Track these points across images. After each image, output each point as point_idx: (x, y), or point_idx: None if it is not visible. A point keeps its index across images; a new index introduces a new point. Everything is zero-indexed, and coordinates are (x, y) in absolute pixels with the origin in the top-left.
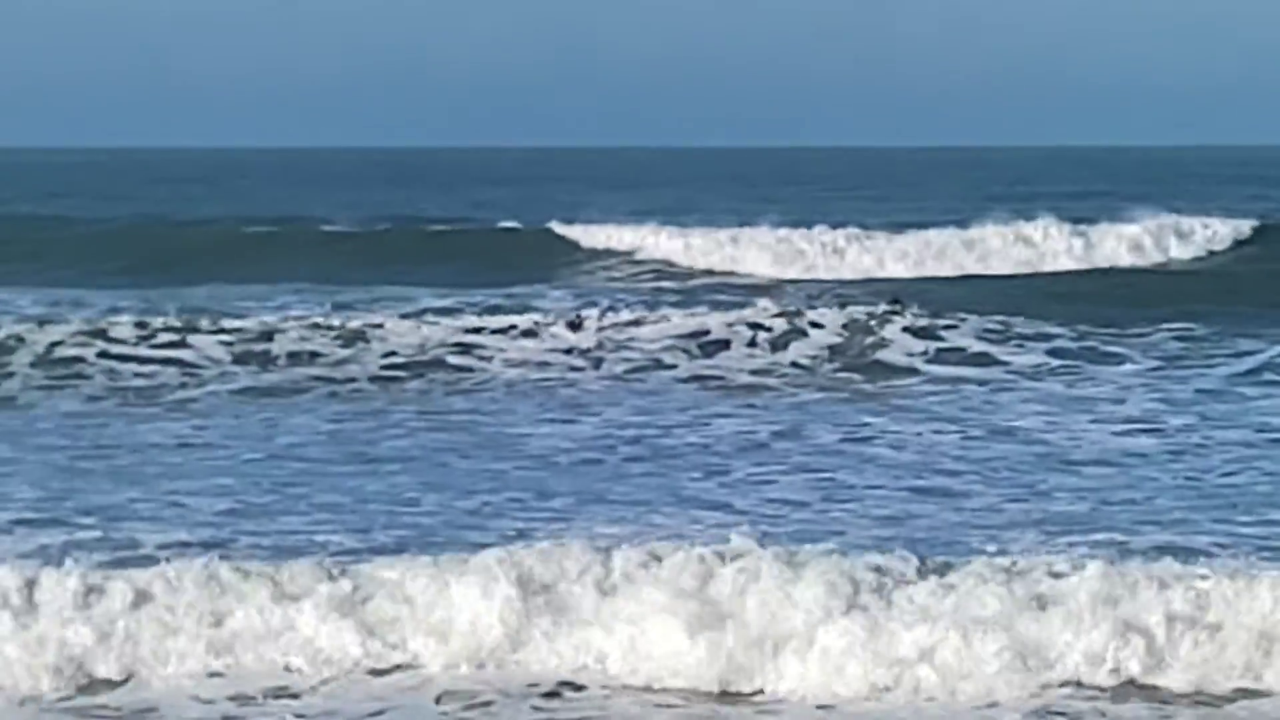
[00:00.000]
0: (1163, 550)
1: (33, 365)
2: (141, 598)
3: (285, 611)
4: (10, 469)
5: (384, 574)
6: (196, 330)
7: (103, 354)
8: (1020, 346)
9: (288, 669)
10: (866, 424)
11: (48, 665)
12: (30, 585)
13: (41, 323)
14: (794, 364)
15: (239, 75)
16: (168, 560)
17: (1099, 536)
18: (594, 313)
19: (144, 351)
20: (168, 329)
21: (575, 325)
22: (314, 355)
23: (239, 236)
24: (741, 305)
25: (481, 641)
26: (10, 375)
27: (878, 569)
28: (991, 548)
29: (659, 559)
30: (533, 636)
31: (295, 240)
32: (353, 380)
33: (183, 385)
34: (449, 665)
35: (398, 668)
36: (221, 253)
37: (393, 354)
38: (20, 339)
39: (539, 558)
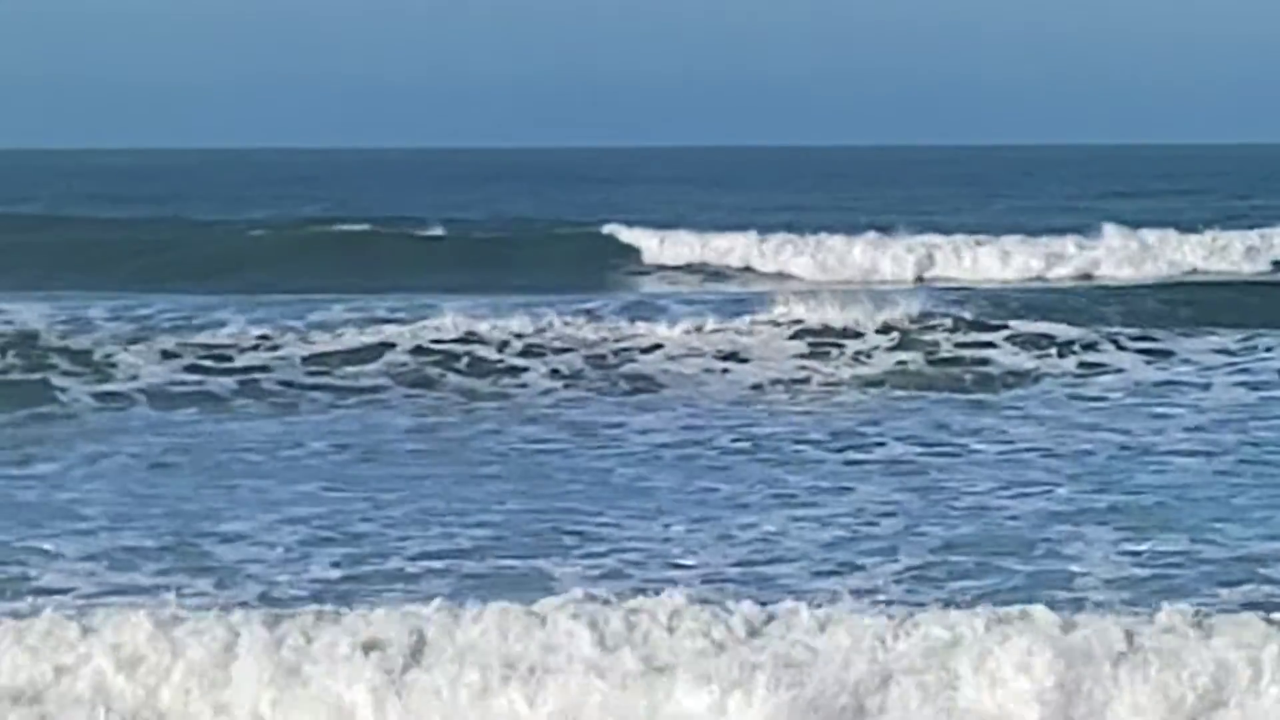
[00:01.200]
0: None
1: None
2: None
3: None
4: (97, 469)
5: None
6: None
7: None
8: None
9: None
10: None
11: None
12: None
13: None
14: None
15: (306, 78)
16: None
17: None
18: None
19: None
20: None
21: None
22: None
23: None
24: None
25: None
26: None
27: None
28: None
29: None
30: None
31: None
32: (445, 370)
33: (255, 347)
34: None
35: None
36: (307, 253)
37: (479, 344)
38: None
39: None
